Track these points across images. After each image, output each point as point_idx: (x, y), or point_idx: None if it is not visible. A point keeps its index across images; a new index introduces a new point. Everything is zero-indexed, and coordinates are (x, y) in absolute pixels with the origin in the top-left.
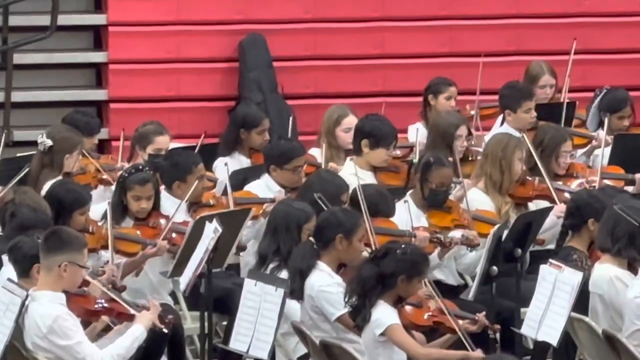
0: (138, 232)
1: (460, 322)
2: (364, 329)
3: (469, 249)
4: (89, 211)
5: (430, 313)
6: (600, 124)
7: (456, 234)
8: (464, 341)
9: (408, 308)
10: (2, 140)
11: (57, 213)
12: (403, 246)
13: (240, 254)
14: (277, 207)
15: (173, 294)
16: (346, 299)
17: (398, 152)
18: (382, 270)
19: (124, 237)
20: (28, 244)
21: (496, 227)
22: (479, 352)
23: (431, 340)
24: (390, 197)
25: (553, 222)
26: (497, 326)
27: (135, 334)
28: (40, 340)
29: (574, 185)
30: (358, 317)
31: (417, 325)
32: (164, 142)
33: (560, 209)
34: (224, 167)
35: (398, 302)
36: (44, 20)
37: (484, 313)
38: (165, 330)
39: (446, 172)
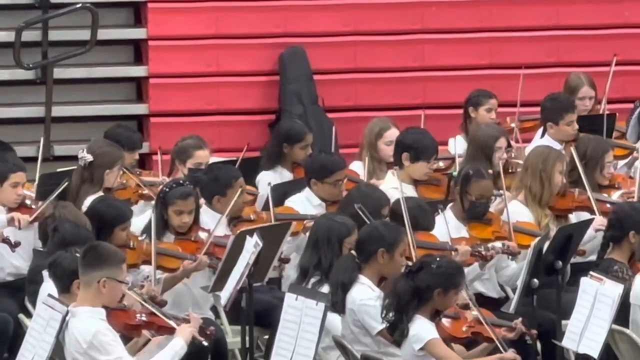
0: (179, 247)
1: (497, 330)
2: (402, 343)
3: (510, 258)
4: (130, 227)
5: (468, 324)
6: None
7: (497, 243)
8: (500, 347)
9: (446, 321)
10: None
11: (98, 229)
12: (438, 259)
13: (285, 267)
14: (318, 221)
15: (214, 309)
16: (383, 315)
17: (441, 164)
18: (418, 285)
19: (165, 252)
20: (68, 259)
21: (537, 239)
22: (511, 352)
23: (469, 350)
24: (430, 210)
25: (591, 235)
26: (534, 331)
27: (175, 348)
28: (80, 356)
29: (615, 196)
30: (396, 332)
31: (456, 338)
32: (204, 157)
33: (599, 221)
34: (266, 182)
35: (435, 316)
36: (84, 34)
37: (520, 319)
38: (205, 343)
39: (486, 184)
